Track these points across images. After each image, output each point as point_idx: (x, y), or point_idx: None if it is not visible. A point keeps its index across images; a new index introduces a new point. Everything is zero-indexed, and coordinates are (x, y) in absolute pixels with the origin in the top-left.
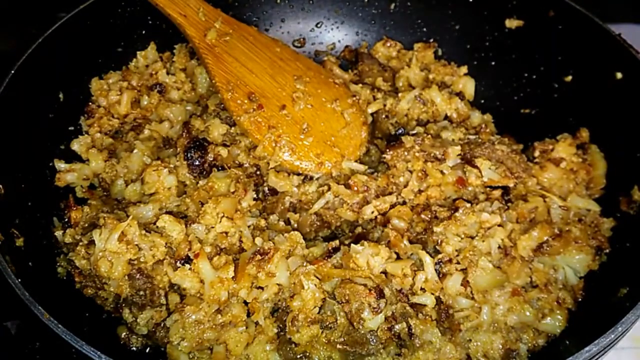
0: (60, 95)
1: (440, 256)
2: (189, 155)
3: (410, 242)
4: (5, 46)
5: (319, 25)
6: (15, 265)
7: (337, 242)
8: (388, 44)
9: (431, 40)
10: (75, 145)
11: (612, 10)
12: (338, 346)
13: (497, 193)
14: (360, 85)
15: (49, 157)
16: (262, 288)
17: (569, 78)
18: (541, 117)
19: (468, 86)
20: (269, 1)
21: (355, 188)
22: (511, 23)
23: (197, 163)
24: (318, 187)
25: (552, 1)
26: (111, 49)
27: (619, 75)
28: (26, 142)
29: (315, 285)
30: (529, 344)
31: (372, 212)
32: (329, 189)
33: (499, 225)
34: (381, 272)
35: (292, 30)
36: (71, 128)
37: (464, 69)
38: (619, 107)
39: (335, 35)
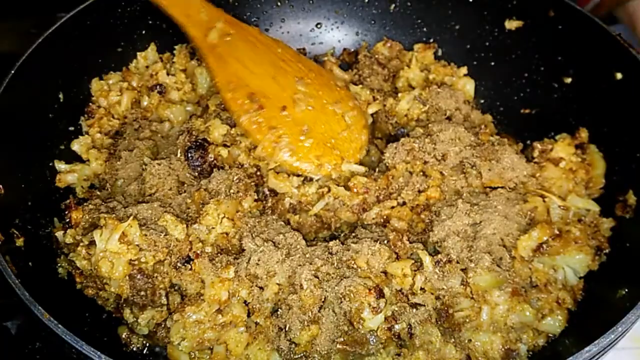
0: (60, 95)
1: (440, 256)
2: (189, 155)
3: (410, 242)
4: (5, 46)
5: (318, 26)
6: (15, 265)
7: (337, 242)
8: (388, 44)
9: (431, 40)
10: (76, 146)
11: None
12: (338, 346)
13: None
14: (360, 86)
15: (49, 157)
16: (262, 288)
17: (569, 78)
18: (541, 117)
19: (468, 87)
20: (269, 1)
21: (355, 190)
22: (511, 24)
23: (197, 163)
24: (318, 189)
25: (552, 1)
26: (111, 49)
27: (619, 75)
28: (26, 142)
29: (315, 285)
30: (529, 344)
31: (374, 219)
32: (329, 190)
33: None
34: (381, 272)
35: (292, 30)
36: (71, 128)
37: (464, 70)
38: (619, 108)
39: (335, 35)
